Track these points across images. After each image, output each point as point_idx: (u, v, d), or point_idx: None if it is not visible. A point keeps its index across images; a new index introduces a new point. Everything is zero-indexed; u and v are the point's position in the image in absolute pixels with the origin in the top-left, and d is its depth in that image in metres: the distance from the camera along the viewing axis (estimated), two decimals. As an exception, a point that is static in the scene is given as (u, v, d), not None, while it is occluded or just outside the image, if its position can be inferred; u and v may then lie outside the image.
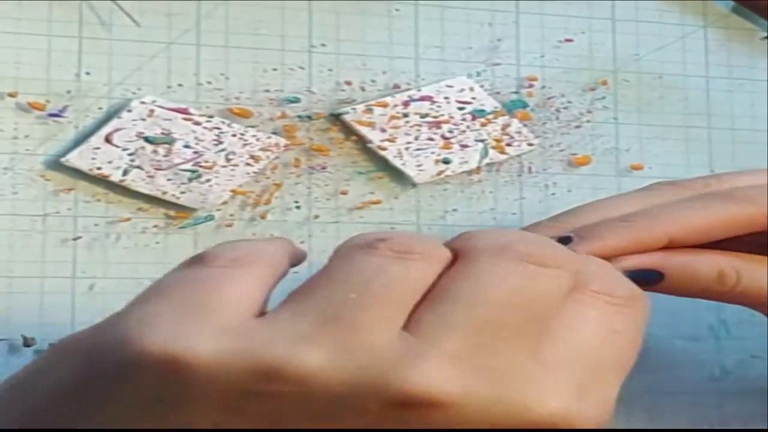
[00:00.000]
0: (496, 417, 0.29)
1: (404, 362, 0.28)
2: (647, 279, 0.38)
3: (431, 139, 0.52)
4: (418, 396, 0.28)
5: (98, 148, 0.48)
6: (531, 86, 0.55)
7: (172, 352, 0.28)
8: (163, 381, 0.28)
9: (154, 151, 0.49)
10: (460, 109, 0.53)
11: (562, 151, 0.55)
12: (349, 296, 0.30)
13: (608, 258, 0.38)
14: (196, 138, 0.50)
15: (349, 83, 0.53)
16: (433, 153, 0.52)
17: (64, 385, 0.30)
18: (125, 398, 0.29)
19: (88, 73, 0.50)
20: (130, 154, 0.49)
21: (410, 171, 0.52)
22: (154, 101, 0.50)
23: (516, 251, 0.32)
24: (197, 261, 0.32)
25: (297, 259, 0.35)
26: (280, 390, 0.28)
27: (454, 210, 0.53)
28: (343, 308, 0.29)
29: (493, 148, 0.53)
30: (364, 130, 0.52)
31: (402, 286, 0.30)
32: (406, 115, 0.52)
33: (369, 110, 0.52)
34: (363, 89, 0.53)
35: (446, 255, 0.32)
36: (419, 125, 0.52)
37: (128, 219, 0.49)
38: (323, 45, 0.53)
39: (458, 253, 0.32)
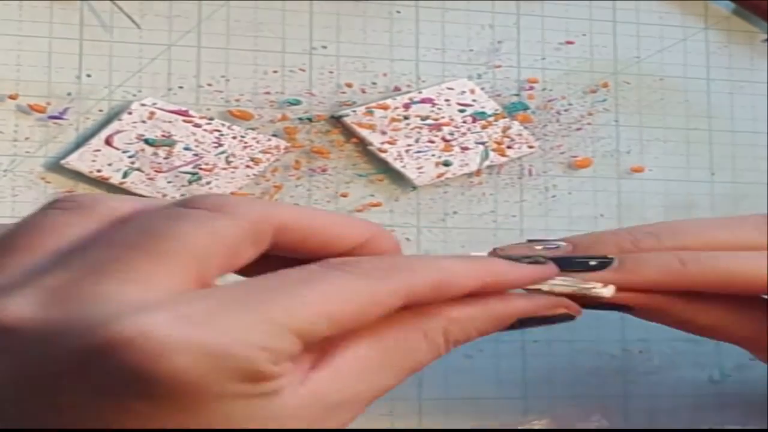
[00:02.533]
0: (67, 336, 0.27)
1: None
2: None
3: (432, 142, 0.52)
4: None
5: (98, 151, 0.49)
6: (532, 88, 0.55)
7: None
8: None
9: (155, 154, 0.49)
10: (461, 111, 0.53)
11: (562, 153, 0.55)
12: None
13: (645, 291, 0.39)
14: (196, 140, 0.50)
15: (349, 85, 0.53)
16: (433, 155, 0.52)
17: None
18: None
19: (88, 75, 0.50)
20: (131, 157, 0.49)
21: (410, 173, 0.52)
22: (154, 103, 0.50)
23: (180, 200, 0.32)
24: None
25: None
26: None
27: (455, 212, 0.53)
28: None
29: (494, 150, 0.53)
30: (364, 133, 0.52)
31: (31, 232, 0.31)
32: (406, 118, 0.52)
33: (369, 112, 0.52)
34: (363, 91, 0.53)
35: (113, 209, 0.32)
36: (420, 127, 0.52)
37: (128, 221, 0.49)
38: (324, 47, 0.53)
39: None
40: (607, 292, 0.38)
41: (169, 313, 0.28)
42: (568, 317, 0.38)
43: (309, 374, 0.30)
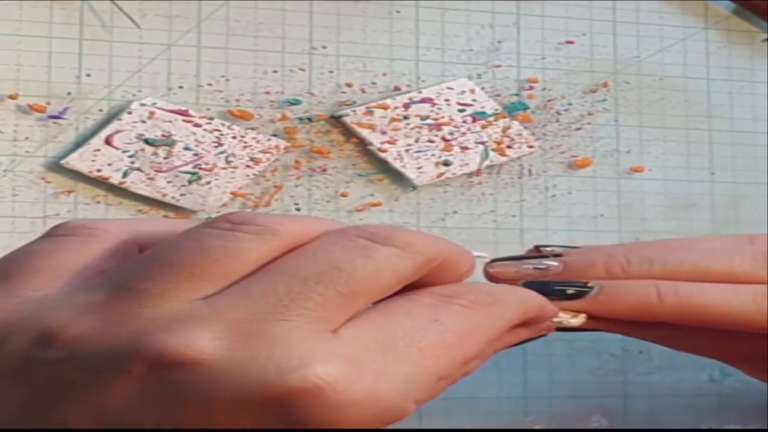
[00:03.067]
0: (252, 378, 0.28)
1: (171, 326, 0.28)
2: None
3: (431, 141, 0.52)
4: (167, 355, 0.28)
5: (98, 150, 0.48)
6: (531, 88, 0.55)
7: None
8: None
9: (154, 153, 0.49)
10: (461, 111, 0.53)
11: (562, 153, 0.55)
12: (147, 268, 0.29)
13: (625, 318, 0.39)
14: (196, 140, 0.50)
15: (349, 85, 0.53)
16: (433, 155, 0.52)
17: None
18: None
19: (88, 75, 0.50)
20: (130, 156, 0.49)
21: (410, 173, 0.52)
22: (154, 103, 0.50)
23: (359, 229, 0.31)
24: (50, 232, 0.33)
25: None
26: (55, 356, 0.28)
27: (455, 212, 0.53)
28: (134, 279, 0.29)
29: (494, 150, 0.53)
30: (364, 132, 0.52)
31: (208, 257, 0.30)
32: (406, 117, 0.52)
33: (369, 112, 0.52)
34: (363, 91, 0.53)
35: (295, 234, 0.31)
36: (419, 127, 0.52)
37: (128, 221, 0.49)
38: (324, 47, 0.53)
39: None
40: (576, 321, 0.39)
41: (349, 363, 0.28)
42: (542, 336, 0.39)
43: None
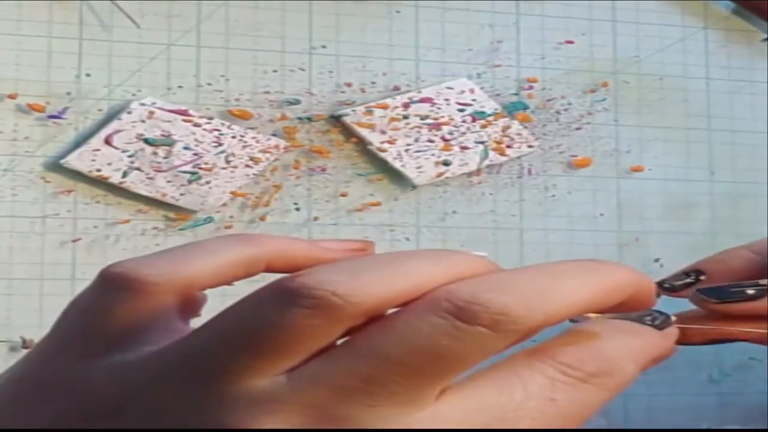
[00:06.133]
0: None
1: (250, 408, 0.27)
2: None
3: (431, 141, 0.52)
4: None
5: (98, 150, 0.48)
6: (531, 88, 0.55)
7: None
8: None
9: (154, 153, 0.49)
10: (460, 110, 0.53)
11: (562, 152, 0.55)
12: (231, 339, 0.28)
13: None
14: (195, 140, 0.50)
15: (349, 85, 0.53)
16: (433, 155, 0.52)
17: None
18: None
19: (88, 75, 0.50)
20: (130, 156, 0.49)
21: (410, 173, 0.52)
22: (153, 103, 0.50)
23: (447, 302, 0.28)
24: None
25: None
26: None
27: (454, 212, 0.53)
28: (212, 350, 0.28)
29: (493, 149, 0.53)
30: (364, 132, 0.52)
31: (288, 334, 0.28)
32: (406, 117, 0.52)
33: (369, 112, 0.52)
34: (363, 91, 0.53)
35: (377, 302, 0.29)
36: (419, 127, 0.52)
37: (128, 221, 0.49)
38: (323, 47, 0.53)
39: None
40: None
41: None
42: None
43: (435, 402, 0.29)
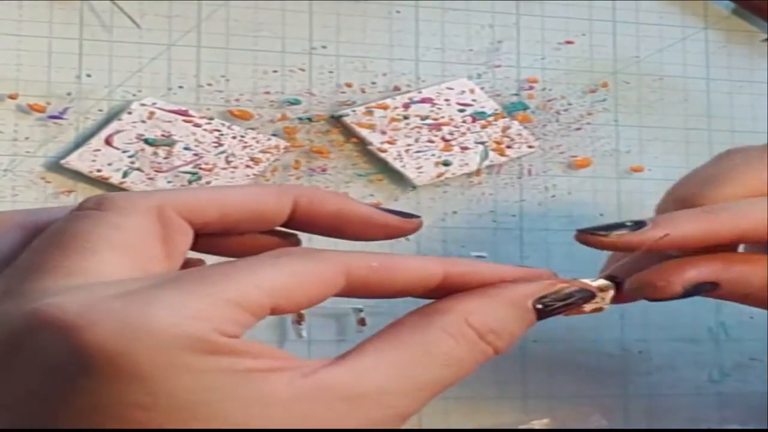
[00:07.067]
0: (5, 324, 0.29)
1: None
2: (702, 289, 0.39)
3: (431, 141, 0.52)
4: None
5: (98, 150, 0.49)
6: (531, 88, 0.55)
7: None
8: None
9: (154, 153, 0.49)
10: (461, 111, 0.53)
11: (562, 153, 0.55)
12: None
13: (679, 247, 0.38)
14: (196, 140, 0.50)
15: (349, 85, 0.53)
16: (433, 155, 0.52)
17: None
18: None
19: (88, 75, 0.50)
20: (130, 156, 0.49)
21: (410, 173, 0.52)
22: (154, 103, 0.50)
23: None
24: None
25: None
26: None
27: (454, 212, 0.53)
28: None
29: (493, 150, 0.53)
30: (364, 132, 0.52)
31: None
32: (406, 117, 0.53)
33: (369, 112, 0.52)
34: (363, 91, 0.53)
35: None
36: (419, 127, 0.52)
37: (128, 221, 0.49)
38: (323, 47, 0.53)
39: None
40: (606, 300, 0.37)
41: (87, 293, 0.28)
42: (587, 294, 0.36)
43: (320, 368, 0.30)
